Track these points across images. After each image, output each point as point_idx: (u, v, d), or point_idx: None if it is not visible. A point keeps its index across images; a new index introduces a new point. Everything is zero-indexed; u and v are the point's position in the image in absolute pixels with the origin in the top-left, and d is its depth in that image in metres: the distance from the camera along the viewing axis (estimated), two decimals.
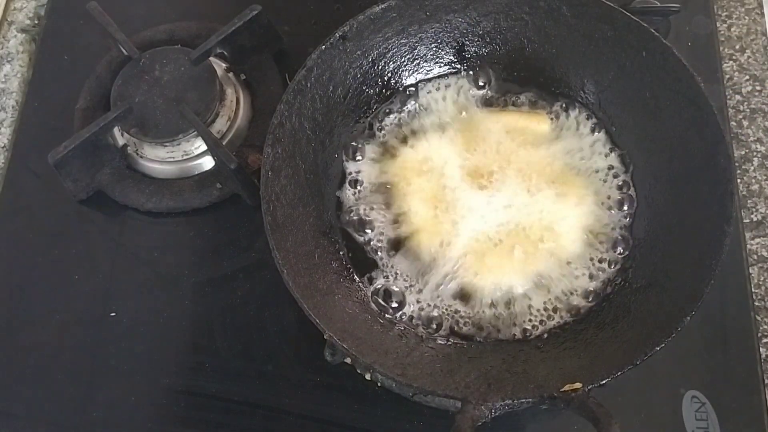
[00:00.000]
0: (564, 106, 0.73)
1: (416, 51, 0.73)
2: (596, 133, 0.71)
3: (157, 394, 0.69)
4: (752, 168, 0.77)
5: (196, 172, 0.77)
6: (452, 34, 0.73)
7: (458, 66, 0.75)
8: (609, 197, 0.69)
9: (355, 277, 0.67)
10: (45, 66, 0.86)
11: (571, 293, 0.66)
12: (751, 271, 0.72)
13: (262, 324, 0.71)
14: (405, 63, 0.73)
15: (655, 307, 0.61)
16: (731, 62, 0.82)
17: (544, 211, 0.68)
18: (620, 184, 0.69)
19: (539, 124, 0.72)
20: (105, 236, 0.77)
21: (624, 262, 0.67)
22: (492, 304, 0.66)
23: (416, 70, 0.74)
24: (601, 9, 0.67)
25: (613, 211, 0.68)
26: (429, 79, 0.75)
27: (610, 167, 0.70)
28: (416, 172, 0.70)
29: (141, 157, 0.78)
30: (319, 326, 0.57)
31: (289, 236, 0.63)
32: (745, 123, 0.79)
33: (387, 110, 0.74)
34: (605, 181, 0.70)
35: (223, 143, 0.75)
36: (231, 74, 0.81)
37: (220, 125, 0.77)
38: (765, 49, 0.82)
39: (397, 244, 0.68)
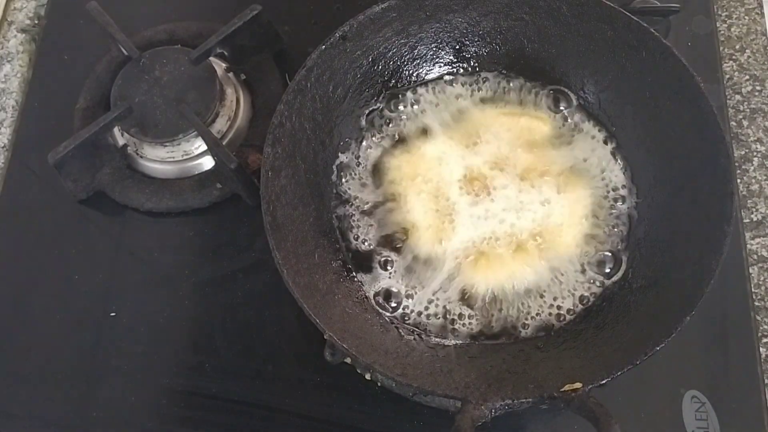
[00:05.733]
0: (564, 106, 0.73)
1: (416, 51, 0.73)
2: (596, 134, 0.71)
3: (157, 394, 0.69)
4: (752, 168, 0.77)
5: (196, 172, 0.77)
6: (452, 34, 0.73)
7: (458, 66, 0.75)
8: (609, 197, 0.69)
9: (355, 277, 0.67)
10: (45, 66, 0.86)
11: (571, 293, 0.66)
12: (751, 271, 0.72)
13: (262, 324, 0.71)
14: (405, 63, 0.73)
15: (655, 307, 0.61)
16: (731, 62, 0.82)
17: (543, 211, 0.68)
18: (620, 184, 0.69)
19: (539, 124, 0.72)
20: (105, 236, 0.77)
21: (624, 262, 0.67)
22: (492, 305, 0.66)
23: (416, 70, 0.74)
24: (601, 9, 0.67)
25: (612, 211, 0.68)
26: (429, 80, 0.75)
27: (610, 167, 0.70)
28: (416, 173, 0.70)
29: (141, 157, 0.78)
30: (319, 326, 0.57)
31: (289, 236, 0.63)
32: (745, 123, 0.79)
33: (387, 110, 0.74)
34: (605, 181, 0.70)
35: (223, 143, 0.75)
36: (231, 74, 0.81)
37: (220, 125, 0.77)
38: (765, 49, 0.82)
39: (396, 245, 0.68)
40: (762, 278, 0.72)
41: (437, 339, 0.65)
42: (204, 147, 0.76)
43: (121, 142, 0.79)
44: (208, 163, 0.77)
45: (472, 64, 0.75)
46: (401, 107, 0.74)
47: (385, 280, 0.67)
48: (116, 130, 0.78)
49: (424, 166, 0.71)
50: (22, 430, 0.70)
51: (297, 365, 0.69)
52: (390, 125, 0.73)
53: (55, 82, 0.84)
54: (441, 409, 0.66)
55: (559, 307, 0.65)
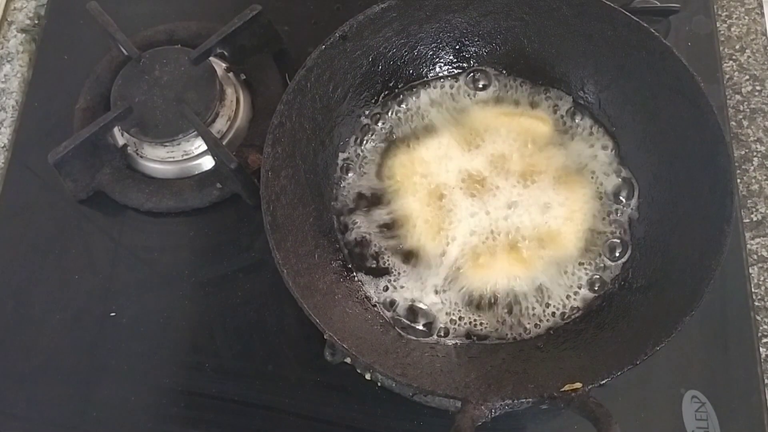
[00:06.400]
0: (564, 106, 0.73)
1: (416, 51, 0.73)
2: (596, 134, 0.71)
3: (157, 394, 0.69)
4: (752, 168, 0.77)
5: (196, 172, 0.77)
6: (452, 34, 0.73)
7: (458, 66, 0.75)
8: (609, 198, 0.69)
9: (355, 277, 0.67)
10: (45, 66, 0.86)
11: (571, 293, 0.66)
12: (751, 271, 0.72)
13: (262, 324, 0.71)
14: (405, 63, 0.73)
15: (655, 307, 0.61)
16: (731, 62, 0.82)
17: (543, 212, 0.68)
18: (620, 184, 0.69)
19: (540, 124, 0.72)
20: (105, 236, 0.77)
21: (624, 263, 0.67)
22: (492, 305, 0.66)
23: (416, 70, 0.74)
24: (601, 9, 0.67)
25: (612, 211, 0.68)
26: (429, 80, 0.75)
27: (610, 168, 0.70)
28: (415, 173, 0.70)
29: (141, 157, 0.78)
30: (319, 326, 0.57)
31: (289, 236, 0.63)
32: (745, 123, 0.79)
33: (387, 110, 0.74)
34: (605, 181, 0.70)
35: (223, 143, 0.75)
36: (231, 74, 0.81)
37: (220, 125, 0.77)
38: (765, 49, 0.82)
39: (396, 245, 0.68)
40: (762, 278, 0.72)
41: (437, 339, 0.65)
42: (204, 147, 0.76)
43: (121, 142, 0.79)
44: (208, 163, 0.77)
45: (472, 64, 0.75)
46: (401, 107, 0.74)
47: (385, 280, 0.67)
48: (116, 130, 0.78)
49: (424, 166, 0.71)
50: (22, 430, 0.70)
51: (297, 365, 0.69)
52: (390, 125, 0.73)
53: (55, 82, 0.84)
54: (441, 409, 0.66)
55: (558, 307, 0.65)
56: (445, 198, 0.69)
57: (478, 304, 0.66)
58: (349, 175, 0.71)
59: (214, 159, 0.75)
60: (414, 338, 0.65)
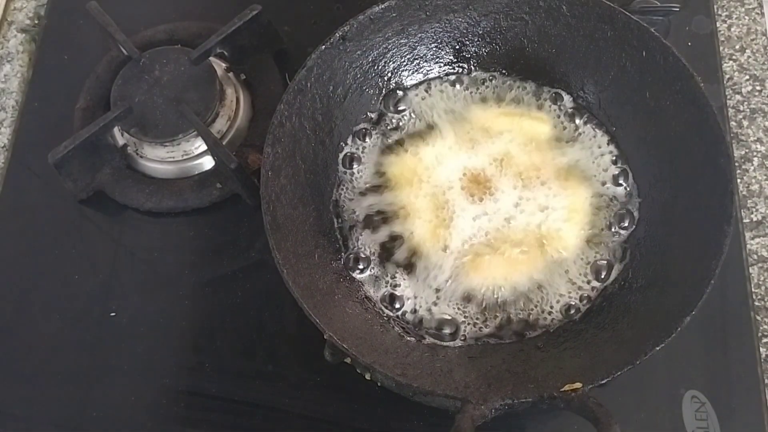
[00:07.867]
0: (564, 106, 0.73)
1: (416, 51, 0.73)
2: (596, 134, 0.71)
3: (157, 394, 0.69)
4: (752, 168, 0.77)
5: (196, 172, 0.77)
6: (452, 34, 0.73)
7: (458, 66, 0.75)
8: (609, 197, 0.69)
9: (355, 277, 0.67)
10: (45, 66, 0.86)
11: (571, 294, 0.66)
12: (751, 271, 0.72)
13: (262, 324, 0.71)
14: (405, 63, 0.74)
15: (655, 307, 0.61)
16: (731, 62, 0.82)
17: (543, 212, 0.68)
18: (620, 184, 0.69)
19: (539, 124, 0.72)
20: (105, 236, 0.77)
21: (624, 263, 0.66)
22: (492, 305, 0.66)
23: (416, 70, 0.74)
24: (601, 9, 0.67)
25: (612, 212, 0.68)
26: (429, 80, 0.75)
27: (610, 168, 0.70)
28: (416, 173, 0.70)
29: (141, 157, 0.78)
30: (319, 326, 0.57)
31: (289, 236, 0.63)
32: (745, 123, 0.79)
33: (387, 111, 0.74)
34: (605, 181, 0.70)
35: (223, 143, 0.76)
36: (231, 74, 0.81)
37: (220, 125, 0.77)
38: (765, 49, 0.82)
39: (397, 245, 0.68)
40: (762, 278, 0.72)
41: (437, 339, 0.65)
42: (204, 147, 0.76)
43: (121, 142, 0.79)
44: (208, 163, 0.77)
45: (472, 64, 0.75)
46: (401, 107, 0.74)
47: (386, 280, 0.67)
48: (116, 130, 0.78)
49: (424, 166, 0.71)
50: (22, 430, 0.70)
51: (297, 365, 0.69)
52: (390, 125, 0.73)
53: (55, 82, 0.84)
54: (441, 409, 0.66)
55: (558, 307, 0.65)
56: (446, 198, 0.69)
57: (478, 304, 0.66)
58: (350, 175, 0.71)
59: (214, 159, 0.75)
60: (415, 339, 0.65)
